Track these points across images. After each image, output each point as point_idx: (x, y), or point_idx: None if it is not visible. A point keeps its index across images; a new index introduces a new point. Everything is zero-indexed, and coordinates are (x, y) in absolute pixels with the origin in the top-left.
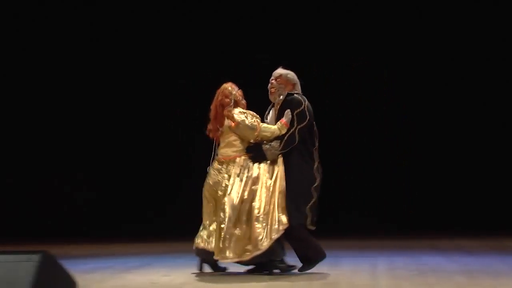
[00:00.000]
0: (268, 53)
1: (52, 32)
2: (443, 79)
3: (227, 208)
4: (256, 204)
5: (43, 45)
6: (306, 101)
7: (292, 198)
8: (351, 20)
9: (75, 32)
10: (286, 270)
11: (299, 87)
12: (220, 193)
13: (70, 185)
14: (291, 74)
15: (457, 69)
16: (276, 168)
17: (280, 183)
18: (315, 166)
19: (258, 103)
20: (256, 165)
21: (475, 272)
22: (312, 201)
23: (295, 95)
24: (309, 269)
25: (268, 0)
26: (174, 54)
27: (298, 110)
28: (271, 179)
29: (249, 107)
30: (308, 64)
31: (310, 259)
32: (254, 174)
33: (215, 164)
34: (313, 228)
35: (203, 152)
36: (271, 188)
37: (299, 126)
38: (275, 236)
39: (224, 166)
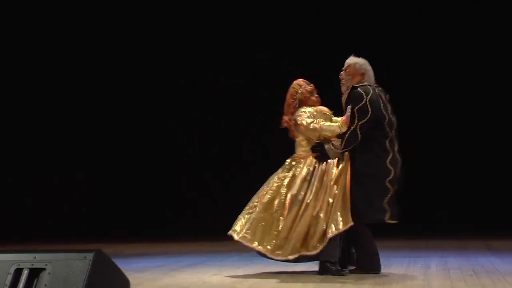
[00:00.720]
0: (268, 53)
1: (52, 32)
2: (443, 79)
3: (287, 206)
4: (316, 204)
5: (43, 45)
6: (370, 94)
7: (365, 195)
8: (351, 20)
9: (75, 32)
10: (336, 274)
11: (370, 76)
12: (279, 188)
13: (70, 185)
14: (359, 63)
15: (457, 69)
16: (341, 167)
17: (343, 183)
18: (389, 157)
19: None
20: (321, 164)
21: None
22: (389, 195)
23: (358, 88)
24: (359, 273)
25: (268, 0)
26: (174, 54)
27: (358, 106)
28: (334, 178)
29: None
30: (308, 64)
31: (362, 266)
32: (318, 174)
33: (288, 161)
34: (394, 222)
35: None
36: (334, 188)
37: (360, 123)
38: (329, 235)
39: (294, 163)
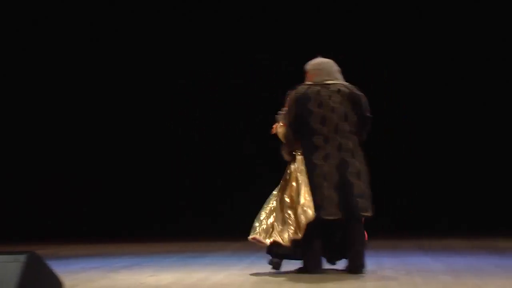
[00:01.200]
0: (268, 53)
1: (52, 32)
2: (443, 79)
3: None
4: (290, 203)
5: (43, 45)
6: (298, 92)
7: (312, 191)
8: (351, 20)
9: (75, 32)
10: (275, 268)
11: (319, 74)
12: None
13: (70, 185)
14: (309, 65)
15: (457, 69)
16: (298, 166)
17: (301, 181)
18: (319, 154)
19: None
20: (289, 164)
21: (460, 271)
22: (319, 191)
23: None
24: (299, 273)
25: (268, 0)
26: (174, 54)
27: (286, 106)
28: (294, 177)
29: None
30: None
31: (305, 265)
32: (286, 176)
33: None
34: (328, 218)
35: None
36: (297, 187)
37: (287, 122)
38: (303, 232)
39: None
